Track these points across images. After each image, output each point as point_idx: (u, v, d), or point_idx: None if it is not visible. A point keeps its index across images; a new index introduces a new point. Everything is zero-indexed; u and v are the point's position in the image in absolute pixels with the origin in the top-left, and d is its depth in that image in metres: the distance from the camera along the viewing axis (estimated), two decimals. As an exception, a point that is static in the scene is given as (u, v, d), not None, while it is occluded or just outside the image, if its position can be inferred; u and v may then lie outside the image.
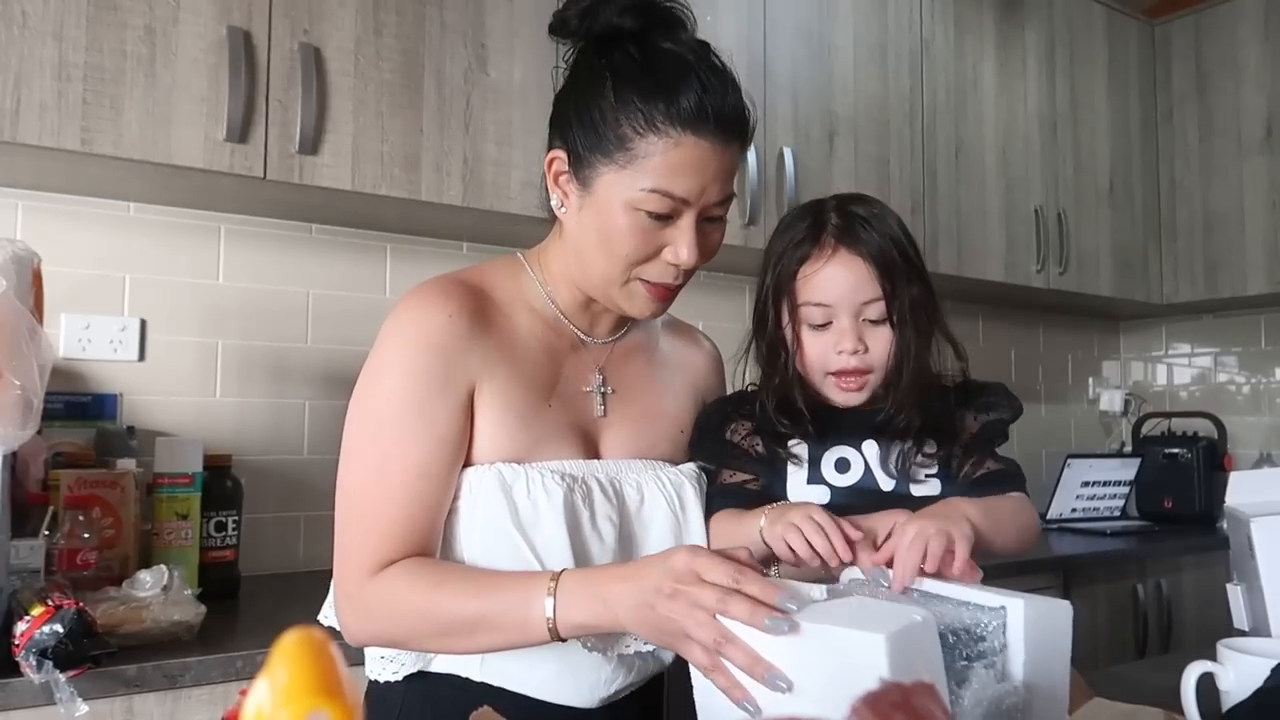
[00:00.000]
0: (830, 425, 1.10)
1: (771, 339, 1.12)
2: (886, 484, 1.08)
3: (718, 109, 0.90)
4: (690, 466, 1.08)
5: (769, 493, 1.07)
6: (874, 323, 1.07)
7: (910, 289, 1.07)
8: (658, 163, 0.90)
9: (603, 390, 1.05)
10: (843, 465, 1.09)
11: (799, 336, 1.09)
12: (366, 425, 0.94)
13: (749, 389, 1.17)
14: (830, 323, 1.07)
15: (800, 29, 2.29)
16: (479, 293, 0.99)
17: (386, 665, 0.97)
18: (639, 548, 1.00)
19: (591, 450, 1.02)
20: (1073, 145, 2.93)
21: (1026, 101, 2.82)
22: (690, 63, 0.91)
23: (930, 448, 1.09)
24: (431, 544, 0.93)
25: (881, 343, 1.07)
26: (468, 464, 0.95)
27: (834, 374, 1.08)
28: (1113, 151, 3.05)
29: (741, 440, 1.11)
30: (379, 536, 0.91)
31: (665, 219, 0.92)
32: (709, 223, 0.96)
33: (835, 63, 2.36)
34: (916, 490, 1.08)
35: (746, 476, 1.10)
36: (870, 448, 1.10)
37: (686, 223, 0.92)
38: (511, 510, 0.92)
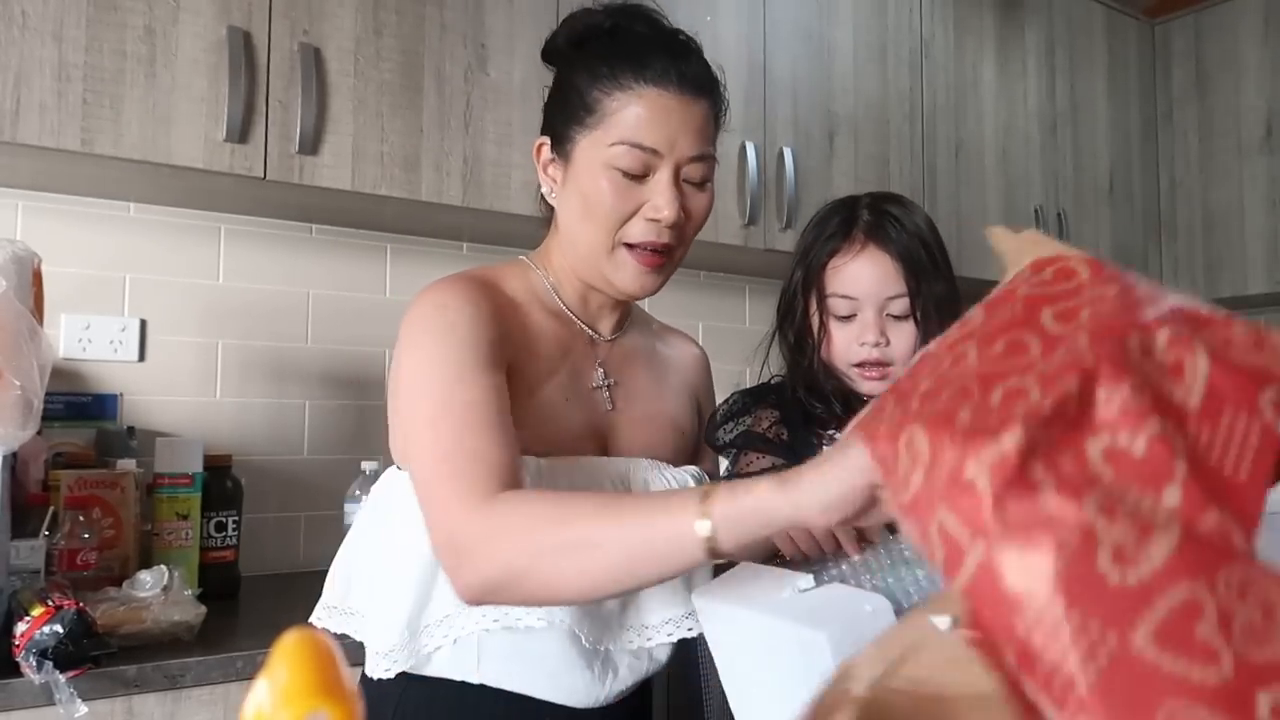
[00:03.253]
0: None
1: (799, 329, 1.16)
2: None
3: (680, 67, 0.95)
4: (691, 468, 1.09)
5: None
6: (897, 318, 1.11)
7: (935, 287, 1.11)
8: (624, 116, 0.94)
9: (606, 383, 1.06)
10: None
11: (825, 326, 1.13)
12: (428, 393, 0.89)
13: (772, 381, 1.20)
14: (855, 315, 1.11)
15: (800, 29, 2.29)
16: (494, 288, 1.00)
17: (380, 662, 0.95)
18: None
19: (602, 447, 1.03)
20: (1073, 145, 2.93)
21: (1026, 101, 2.82)
22: (649, 35, 0.98)
23: None
24: (520, 478, 0.86)
25: (903, 338, 1.11)
26: None
27: (857, 365, 1.12)
28: (1113, 151, 3.05)
29: (766, 429, 1.14)
30: (485, 467, 0.82)
31: (640, 177, 0.95)
32: (690, 185, 0.98)
33: (835, 63, 2.36)
34: None
35: (766, 465, 1.12)
36: None
37: (662, 176, 0.95)
38: None
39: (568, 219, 1.00)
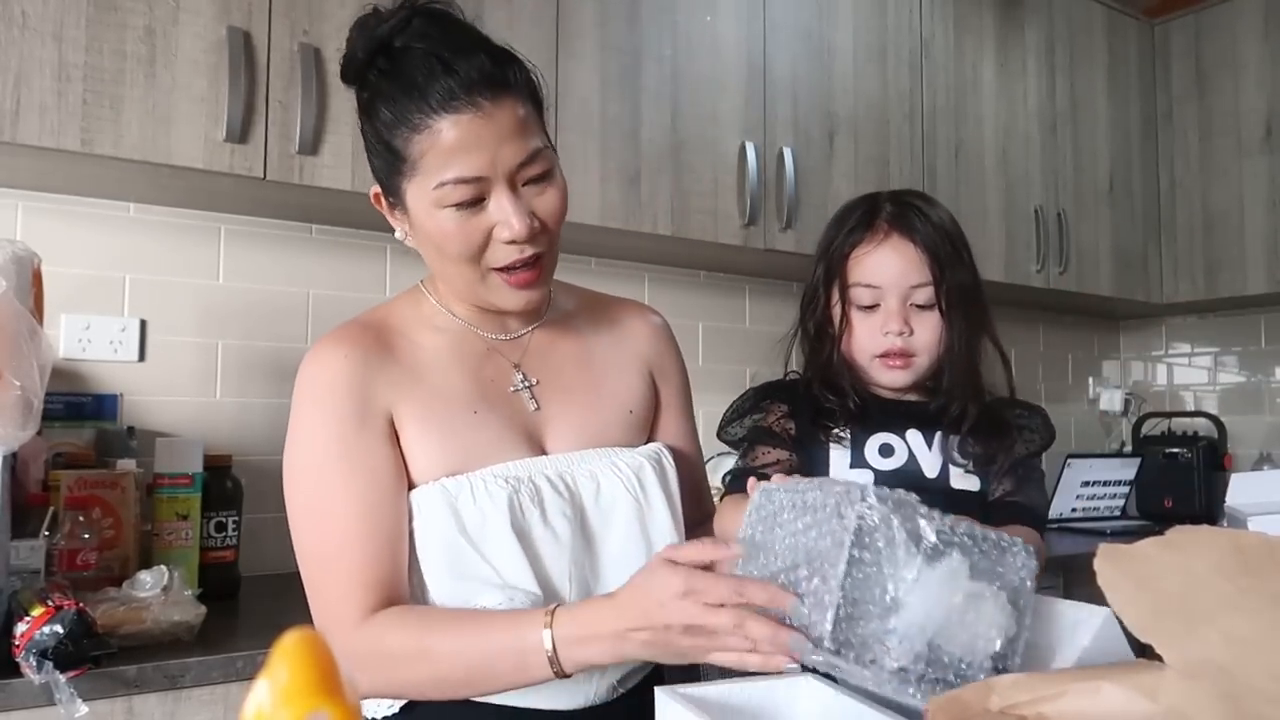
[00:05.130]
0: (875, 412, 1.13)
1: (820, 321, 1.16)
2: (930, 471, 1.11)
3: (464, 80, 0.87)
4: (650, 447, 1.06)
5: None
6: (921, 308, 1.11)
7: (959, 277, 1.11)
8: (432, 157, 0.88)
9: (527, 384, 1.03)
10: (886, 450, 1.11)
11: (848, 317, 1.13)
12: (300, 484, 0.96)
13: (788, 377, 1.20)
14: (878, 305, 1.11)
15: (800, 29, 2.29)
16: (376, 327, 1.00)
17: (380, 701, 0.96)
18: (600, 539, 0.98)
19: (537, 450, 1.00)
20: (1073, 145, 2.93)
21: (1026, 101, 2.82)
22: (422, 51, 0.89)
23: (975, 446, 1.11)
24: (397, 576, 0.93)
25: (927, 328, 1.11)
26: (412, 486, 0.95)
27: (880, 356, 1.11)
28: (1113, 151, 3.05)
29: (774, 422, 1.14)
30: (347, 586, 0.91)
31: (477, 203, 0.90)
32: (532, 185, 0.92)
33: (835, 63, 2.36)
34: (956, 483, 1.11)
35: (781, 455, 1.12)
36: (914, 436, 1.12)
37: (499, 196, 0.90)
38: (458, 523, 0.92)
39: (430, 260, 0.99)
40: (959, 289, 1.10)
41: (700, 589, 0.75)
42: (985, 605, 0.70)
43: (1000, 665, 0.70)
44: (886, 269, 1.10)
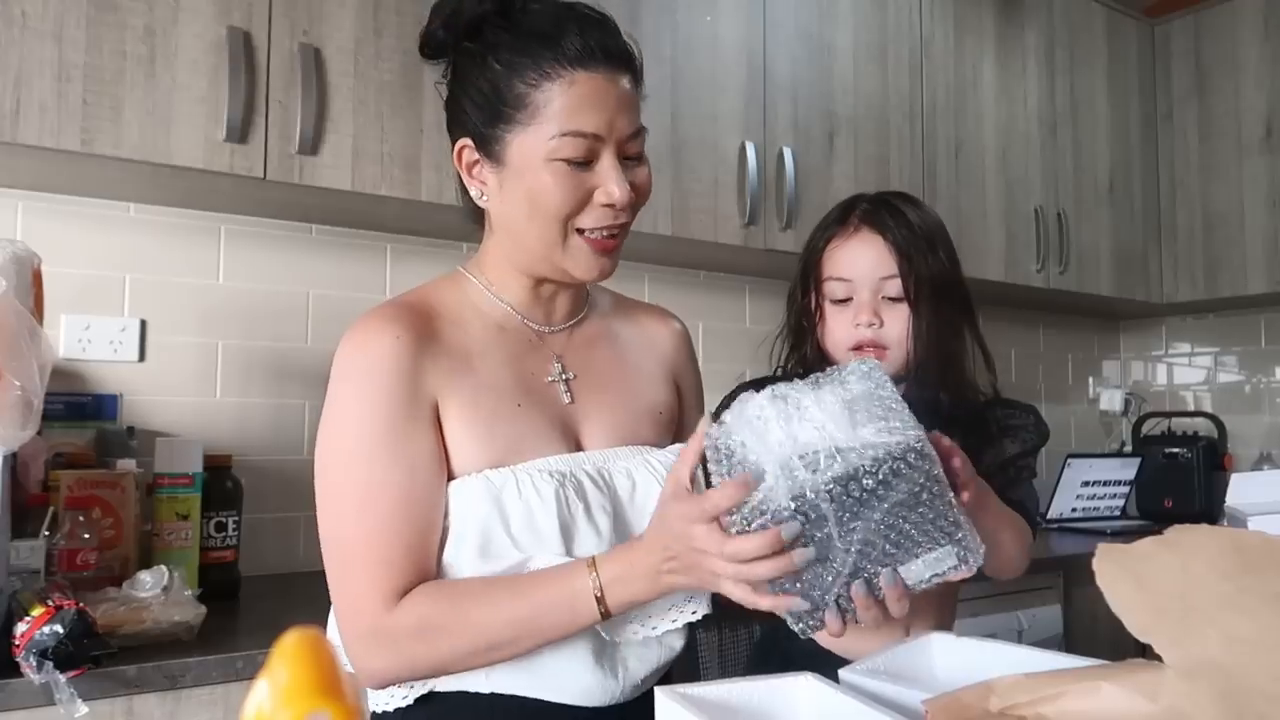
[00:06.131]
0: None
1: (798, 314, 1.19)
2: None
3: (601, 43, 0.93)
4: (679, 447, 1.05)
5: None
6: (893, 300, 1.13)
7: (930, 270, 1.12)
8: (560, 106, 0.91)
9: (564, 376, 1.03)
10: None
11: (822, 310, 1.16)
12: (340, 466, 0.93)
13: (777, 372, 1.22)
14: (850, 298, 1.14)
15: (800, 29, 2.29)
16: (422, 310, 0.99)
17: (394, 692, 0.95)
18: (634, 535, 0.98)
19: (573, 444, 1.01)
20: (1073, 145, 2.93)
21: (1026, 101, 2.82)
22: (560, 12, 0.94)
23: (956, 440, 1.11)
24: (431, 565, 0.93)
25: (898, 320, 1.12)
26: (452, 477, 0.95)
27: (854, 349, 1.13)
28: (1113, 151, 3.05)
29: None
30: (383, 569, 0.90)
31: (585, 164, 0.93)
32: (630, 161, 0.96)
33: (835, 63, 2.36)
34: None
35: None
36: None
37: (608, 160, 0.94)
38: (501, 516, 0.91)
39: (512, 219, 0.98)
40: (930, 282, 1.12)
41: (698, 540, 0.81)
42: (805, 401, 0.78)
43: (888, 437, 0.77)
44: (857, 262, 1.13)
